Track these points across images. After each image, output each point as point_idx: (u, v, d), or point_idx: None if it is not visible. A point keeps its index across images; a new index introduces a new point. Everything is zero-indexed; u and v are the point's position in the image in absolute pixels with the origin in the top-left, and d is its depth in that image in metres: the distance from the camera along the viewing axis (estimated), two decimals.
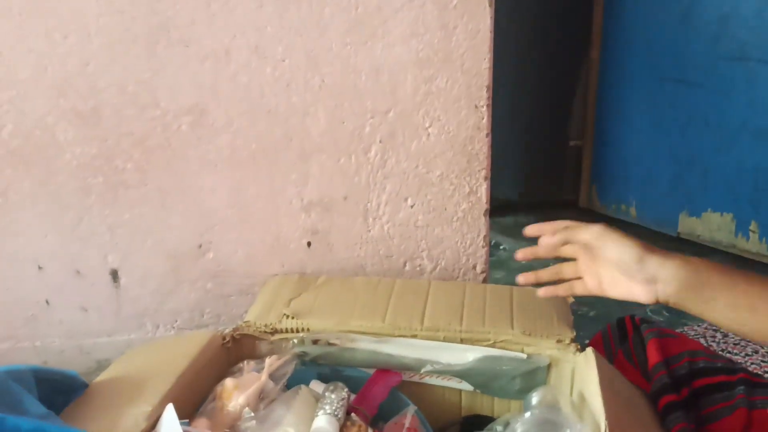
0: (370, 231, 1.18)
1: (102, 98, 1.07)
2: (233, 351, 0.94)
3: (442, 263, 1.22)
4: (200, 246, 1.15)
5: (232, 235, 1.15)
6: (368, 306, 1.00)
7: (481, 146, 1.17)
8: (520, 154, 2.83)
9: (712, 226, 2.42)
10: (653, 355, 0.89)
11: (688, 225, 2.50)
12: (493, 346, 0.93)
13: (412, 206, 1.17)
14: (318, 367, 0.93)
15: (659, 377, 0.83)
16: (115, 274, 1.14)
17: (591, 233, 0.71)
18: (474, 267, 1.23)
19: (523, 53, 2.67)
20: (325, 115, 1.12)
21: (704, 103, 2.34)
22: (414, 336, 0.93)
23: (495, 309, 1.00)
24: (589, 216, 2.76)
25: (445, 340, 0.93)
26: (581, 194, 2.89)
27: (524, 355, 0.92)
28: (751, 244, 2.31)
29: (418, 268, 1.22)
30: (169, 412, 0.71)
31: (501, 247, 2.52)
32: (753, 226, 2.29)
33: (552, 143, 2.84)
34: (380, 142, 1.13)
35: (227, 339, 0.94)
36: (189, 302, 1.17)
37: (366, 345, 0.93)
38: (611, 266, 0.73)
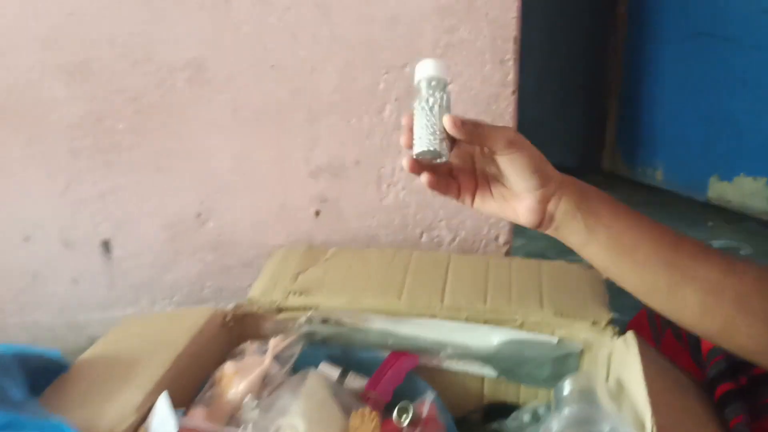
0: (383, 199, 1.13)
1: (90, 52, 1.01)
2: (235, 331, 0.90)
3: (462, 234, 1.16)
4: (200, 214, 1.10)
5: (234, 203, 1.10)
6: (382, 282, 0.95)
7: (507, 105, 1.09)
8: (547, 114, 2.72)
9: (744, 191, 2.35)
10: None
11: (719, 190, 2.43)
12: (520, 328, 0.88)
13: None
14: (328, 348, 0.89)
15: (716, 363, 0.77)
16: (107, 245, 1.09)
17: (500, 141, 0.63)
18: (496, 238, 1.17)
19: (547, 8, 2.55)
20: (335, 71, 1.05)
21: (742, 60, 2.24)
22: (433, 316, 0.89)
23: (522, 286, 0.95)
24: (613, 180, 2.67)
25: (467, 320, 0.88)
26: (605, 157, 2.80)
27: (555, 339, 0.87)
28: None
29: (435, 239, 1.16)
30: (163, 401, 0.66)
31: None
32: None
33: (580, 101, 2.72)
34: (396, 100, 1.07)
35: (228, 318, 0.89)
36: (188, 275, 1.13)
37: (380, 325, 0.89)
38: (506, 176, 0.65)
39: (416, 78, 0.63)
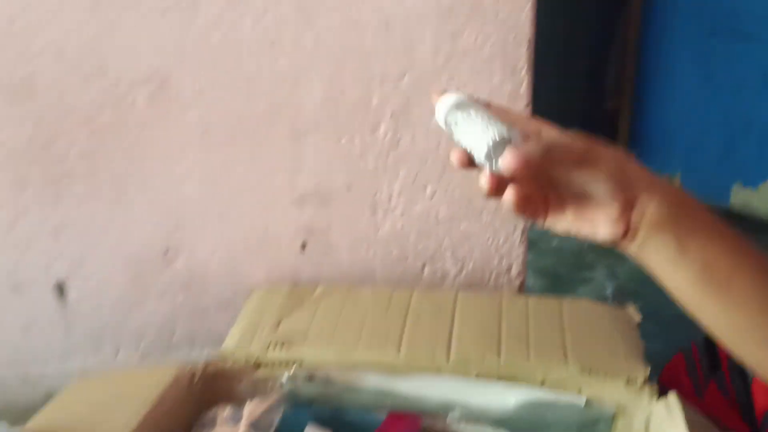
0: (379, 228, 1.04)
1: (35, 65, 0.91)
2: (204, 393, 0.82)
3: (470, 266, 1.07)
4: (167, 250, 1.02)
5: (206, 236, 1.02)
6: (378, 329, 0.88)
7: None
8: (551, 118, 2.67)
9: None
10: (765, 397, 0.76)
11: (742, 197, 2.41)
12: (541, 386, 0.80)
13: (432, 196, 1.03)
14: (314, 410, 0.83)
15: None
16: (61, 287, 1.01)
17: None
18: (509, 269, 1.07)
19: (553, 7, 2.48)
20: (321, 83, 0.96)
21: (763, 58, 2.22)
22: (438, 371, 0.81)
23: (542, 333, 0.87)
24: None
25: (478, 377, 0.81)
26: None
27: (583, 400, 0.79)
28: None
29: (439, 272, 1.07)
30: None
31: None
32: None
33: (587, 106, 2.68)
34: (391, 116, 0.98)
35: (197, 378, 0.81)
36: (156, 319, 1.05)
37: (376, 382, 0.82)
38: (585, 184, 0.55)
39: (441, 116, 0.58)
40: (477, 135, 0.53)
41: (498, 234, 1.06)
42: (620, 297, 1.90)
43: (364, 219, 1.03)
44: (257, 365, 0.83)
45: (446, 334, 0.86)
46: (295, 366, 0.83)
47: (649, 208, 0.53)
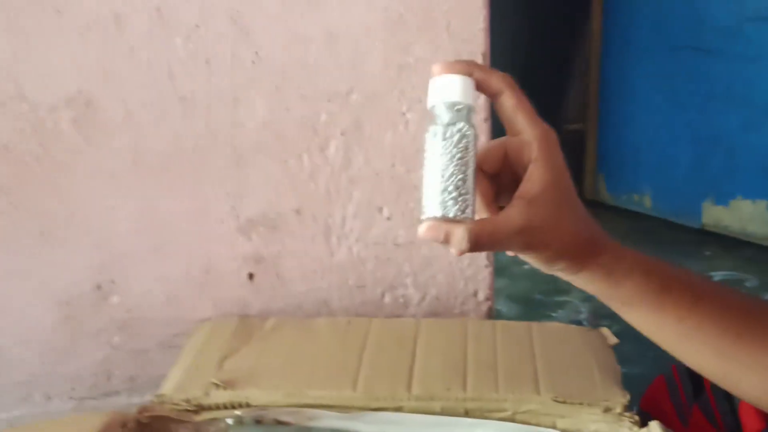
0: (334, 254, 0.98)
1: None
2: None
3: (433, 291, 1.01)
4: (99, 287, 0.95)
5: (143, 270, 0.96)
6: (334, 365, 0.82)
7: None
8: None
9: (743, 215, 2.31)
10: (752, 420, 0.73)
11: (714, 215, 2.39)
12: (512, 419, 0.74)
13: (389, 218, 0.97)
14: None
15: None
16: None
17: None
18: (475, 294, 1.01)
19: (512, 22, 2.47)
20: (263, 102, 0.90)
21: (727, 73, 2.22)
22: (398, 409, 0.75)
23: (511, 361, 0.81)
24: (596, 209, 2.57)
25: (443, 412, 0.75)
26: (585, 184, 2.74)
27: None
28: None
29: (401, 300, 1.01)
30: None
31: None
32: None
33: (561, 129, 2.67)
34: (342, 135, 0.93)
35: (129, 425, 0.74)
36: (90, 363, 0.98)
37: (331, 423, 0.76)
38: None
39: (430, 101, 0.49)
40: (432, 180, 0.47)
41: (462, 257, 1.00)
42: (596, 320, 1.85)
43: (317, 245, 0.97)
44: (198, 408, 0.77)
45: (407, 366, 0.80)
46: (240, 409, 0.77)
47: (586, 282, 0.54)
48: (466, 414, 0.74)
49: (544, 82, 2.68)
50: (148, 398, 0.80)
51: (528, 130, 0.50)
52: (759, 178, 2.22)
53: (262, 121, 0.90)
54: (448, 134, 0.47)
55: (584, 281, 0.53)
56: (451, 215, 0.46)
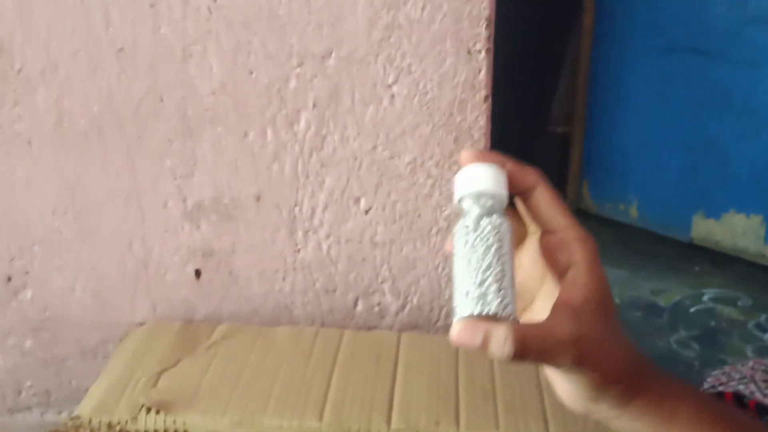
0: (299, 251, 0.87)
1: None
2: None
3: (414, 300, 0.91)
4: (9, 278, 0.84)
5: (64, 261, 0.85)
6: (295, 386, 0.72)
7: (477, 116, 0.86)
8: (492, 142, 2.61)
9: (735, 230, 2.26)
10: None
11: (704, 229, 2.33)
12: None
13: (366, 211, 0.88)
14: None
15: None
16: None
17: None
18: None
19: (499, 18, 2.41)
20: (220, 60, 0.78)
21: (725, 77, 2.16)
22: None
23: (512, 390, 0.70)
24: (578, 217, 2.51)
25: None
26: (569, 191, 2.69)
27: None
28: None
29: (377, 309, 0.91)
30: None
31: None
32: None
33: (532, 129, 2.61)
34: (314, 107, 0.82)
35: None
36: None
37: None
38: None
39: (459, 192, 0.46)
40: (466, 273, 0.42)
41: (449, 261, 0.88)
42: None
43: (280, 240, 0.87)
44: None
45: (386, 391, 0.69)
46: None
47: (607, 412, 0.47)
48: None
49: (530, 79, 2.64)
50: (64, 417, 0.69)
51: (569, 231, 0.46)
52: (754, 191, 2.19)
53: (218, 83, 0.79)
54: (483, 224, 0.44)
55: (633, 415, 0.47)
56: (492, 311, 0.41)
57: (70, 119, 0.78)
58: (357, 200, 0.86)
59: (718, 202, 2.26)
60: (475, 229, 0.44)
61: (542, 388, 0.67)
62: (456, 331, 0.42)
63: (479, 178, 0.45)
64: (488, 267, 0.42)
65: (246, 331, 0.81)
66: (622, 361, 0.46)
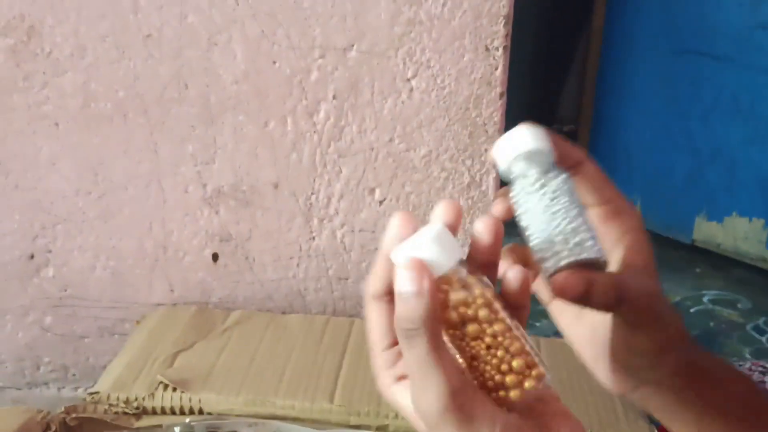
0: (314, 238, 0.88)
1: None
2: None
3: None
4: (32, 256, 0.85)
5: (86, 240, 0.86)
6: (307, 369, 0.73)
7: (492, 112, 0.87)
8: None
9: (737, 233, 2.24)
10: None
11: (707, 231, 2.32)
12: None
13: (381, 202, 0.88)
14: None
15: None
16: None
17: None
18: None
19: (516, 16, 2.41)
20: (245, 50, 0.79)
21: (735, 82, 2.14)
22: (383, 428, 0.67)
23: None
24: None
25: None
26: None
27: None
28: None
29: None
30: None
31: None
32: None
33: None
34: (334, 98, 0.82)
35: (53, 428, 0.65)
36: (15, 346, 0.90)
37: None
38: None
39: (508, 156, 0.44)
40: (552, 228, 0.42)
41: (462, 252, 0.89)
42: None
43: (296, 227, 0.88)
44: (139, 413, 0.68)
45: None
46: (192, 415, 0.68)
47: (659, 396, 0.48)
48: None
49: (539, 77, 2.64)
50: (82, 393, 0.70)
51: (620, 201, 0.47)
52: (758, 196, 2.17)
53: (241, 73, 0.80)
54: (551, 177, 0.43)
55: (683, 382, 0.47)
56: (593, 256, 0.41)
57: (96, 102, 0.79)
58: (372, 191, 0.87)
59: (722, 206, 2.24)
60: (545, 184, 0.43)
61: None
62: (561, 279, 0.42)
63: (529, 138, 0.44)
64: (577, 215, 0.42)
65: (259, 317, 0.83)
66: (682, 326, 0.47)
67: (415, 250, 0.37)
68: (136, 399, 0.67)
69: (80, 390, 0.84)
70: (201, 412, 0.67)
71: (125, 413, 0.66)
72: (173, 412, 0.67)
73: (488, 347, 0.36)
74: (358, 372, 0.71)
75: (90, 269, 0.87)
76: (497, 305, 0.36)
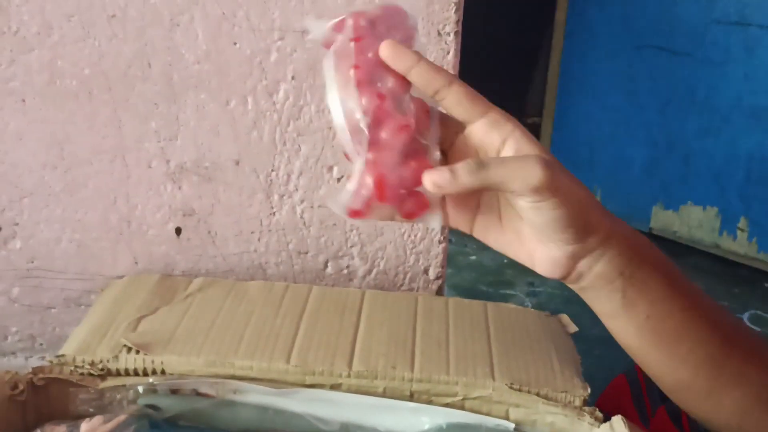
0: (275, 213, 0.89)
1: None
2: (32, 407, 0.67)
3: (381, 264, 0.93)
4: (0, 229, 0.83)
5: (51, 214, 0.85)
6: (265, 332, 0.73)
7: None
8: None
9: (692, 221, 2.32)
10: None
11: (663, 219, 2.39)
12: (462, 405, 0.68)
13: (339, 179, 0.89)
14: (178, 430, 0.69)
15: None
16: None
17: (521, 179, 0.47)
18: (426, 271, 0.94)
19: (475, 10, 2.43)
20: (206, 30, 0.80)
21: (691, 75, 2.22)
22: (337, 386, 0.69)
23: (464, 341, 0.73)
24: None
25: (386, 393, 0.68)
26: None
27: (511, 426, 0.66)
28: (739, 245, 2.21)
29: (345, 271, 0.93)
30: None
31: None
32: (742, 223, 2.19)
33: None
34: (293, 78, 0.84)
35: (21, 387, 0.66)
36: None
37: (258, 398, 0.68)
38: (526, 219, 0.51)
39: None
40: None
41: (415, 229, 0.92)
42: None
43: (256, 202, 0.88)
44: (104, 373, 0.68)
45: (349, 339, 0.72)
46: (154, 377, 0.68)
47: (600, 262, 0.50)
48: (412, 397, 0.67)
49: (505, 71, 2.66)
50: (28, 373, 0.71)
51: (493, 112, 0.50)
52: (711, 185, 2.23)
53: (203, 52, 0.80)
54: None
55: (608, 257, 0.50)
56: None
57: (61, 79, 0.79)
58: (330, 168, 0.88)
59: (678, 195, 2.31)
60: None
61: (490, 340, 0.72)
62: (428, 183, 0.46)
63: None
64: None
65: (220, 284, 0.83)
66: (589, 196, 0.49)
67: None
68: (101, 361, 0.67)
69: (47, 359, 0.85)
70: (163, 372, 0.68)
71: (90, 374, 0.67)
72: (137, 374, 0.68)
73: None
74: (314, 334, 0.72)
75: (56, 242, 0.86)
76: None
